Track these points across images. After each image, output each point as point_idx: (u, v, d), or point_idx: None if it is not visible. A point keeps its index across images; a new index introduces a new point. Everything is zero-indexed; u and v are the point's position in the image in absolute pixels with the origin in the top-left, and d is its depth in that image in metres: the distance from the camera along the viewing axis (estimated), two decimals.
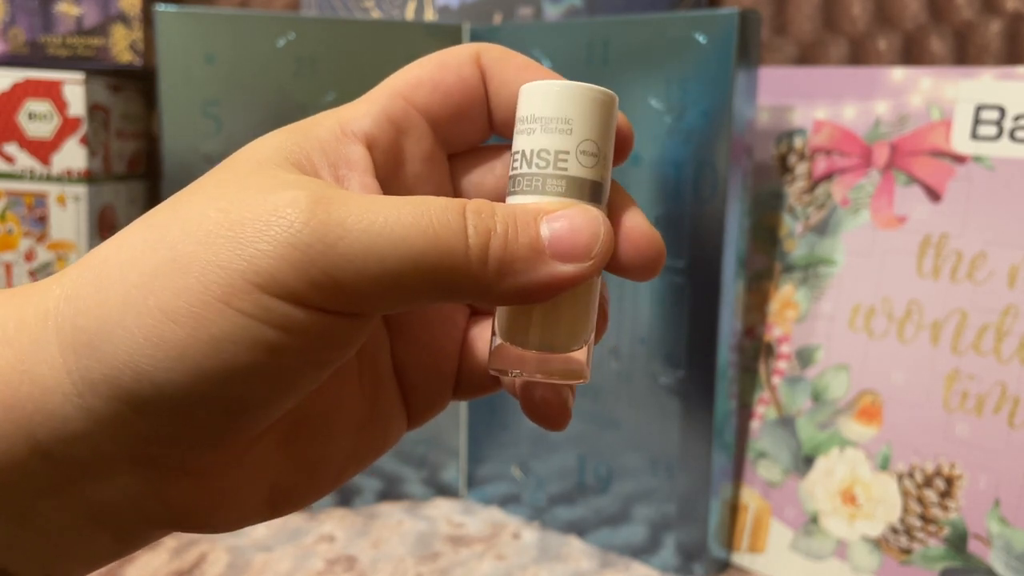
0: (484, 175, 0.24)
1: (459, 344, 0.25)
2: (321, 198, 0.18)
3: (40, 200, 0.57)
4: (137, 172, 0.66)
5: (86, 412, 0.18)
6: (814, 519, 0.47)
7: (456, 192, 0.25)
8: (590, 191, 0.21)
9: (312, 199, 0.18)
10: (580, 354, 0.22)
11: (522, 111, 0.22)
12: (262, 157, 0.20)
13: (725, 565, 0.49)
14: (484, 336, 0.25)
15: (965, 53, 0.53)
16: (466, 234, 0.19)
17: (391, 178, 0.23)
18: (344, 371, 0.23)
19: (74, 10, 0.59)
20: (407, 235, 0.18)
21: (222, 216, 0.18)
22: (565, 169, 0.21)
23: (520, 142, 0.22)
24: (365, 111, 0.23)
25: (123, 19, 0.59)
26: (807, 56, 0.57)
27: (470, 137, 0.24)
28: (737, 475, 0.50)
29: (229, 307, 0.17)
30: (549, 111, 0.21)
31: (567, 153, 0.21)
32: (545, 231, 0.20)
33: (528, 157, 0.21)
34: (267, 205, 0.18)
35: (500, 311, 0.22)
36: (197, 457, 0.19)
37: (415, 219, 0.18)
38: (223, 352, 0.17)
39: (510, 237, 0.19)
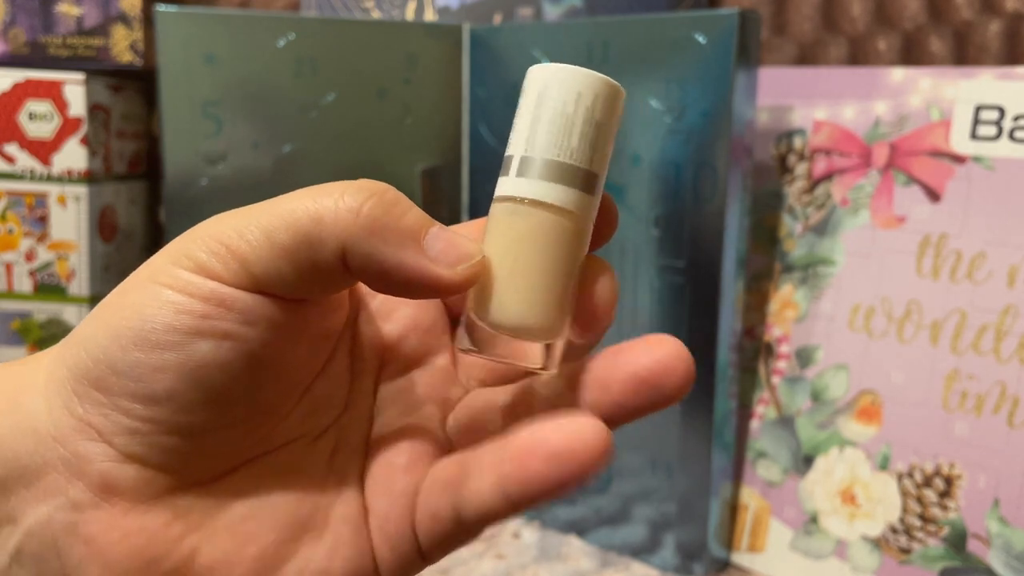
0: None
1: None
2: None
3: (40, 200, 0.57)
4: (137, 172, 0.66)
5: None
6: (814, 519, 0.47)
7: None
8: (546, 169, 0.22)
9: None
10: (535, 345, 0.22)
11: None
12: None
13: (725, 565, 0.49)
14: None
15: (965, 53, 0.53)
16: (343, 193, 0.20)
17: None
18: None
19: (74, 10, 0.59)
20: (292, 206, 0.20)
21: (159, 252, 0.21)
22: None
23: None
24: None
25: (123, 19, 0.59)
26: (807, 56, 0.57)
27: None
28: (737, 475, 0.50)
29: (153, 282, 0.20)
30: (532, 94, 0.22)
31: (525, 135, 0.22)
32: (429, 233, 0.21)
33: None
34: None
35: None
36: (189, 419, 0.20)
37: (302, 194, 0.21)
38: (151, 316, 0.20)
39: (392, 206, 0.20)
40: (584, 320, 0.22)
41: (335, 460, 0.23)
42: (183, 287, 0.20)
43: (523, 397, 0.23)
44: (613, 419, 0.21)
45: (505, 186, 0.22)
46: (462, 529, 0.21)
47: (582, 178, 0.21)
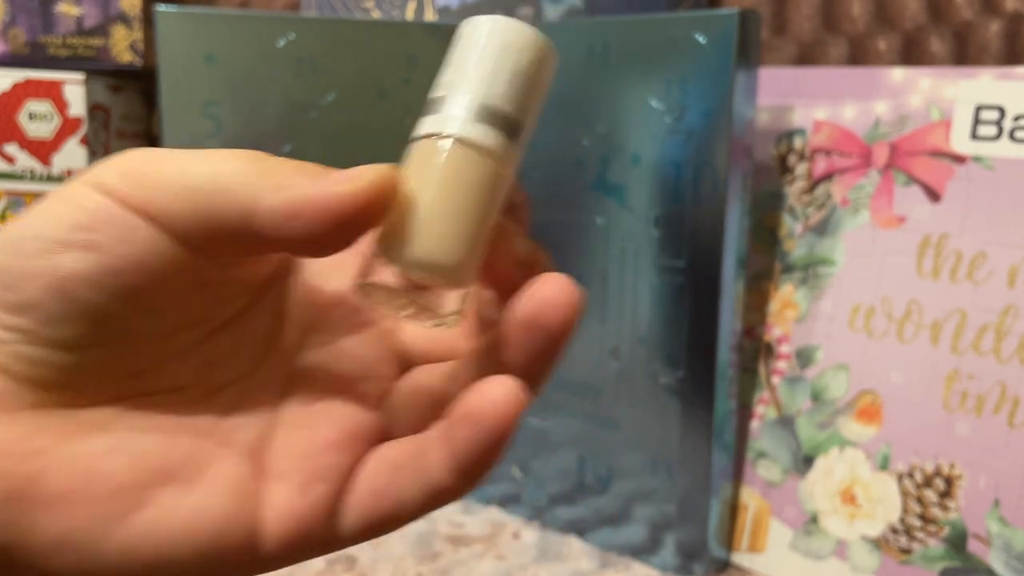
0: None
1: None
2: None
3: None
4: None
5: None
6: (814, 519, 0.47)
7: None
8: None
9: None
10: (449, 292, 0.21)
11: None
12: None
13: (725, 565, 0.49)
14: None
15: (965, 53, 0.53)
16: (259, 157, 0.21)
17: None
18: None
19: (74, 10, 0.59)
20: (211, 155, 0.21)
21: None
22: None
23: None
24: None
25: (123, 19, 0.59)
26: (807, 56, 0.57)
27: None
28: (737, 475, 0.50)
29: (55, 197, 0.21)
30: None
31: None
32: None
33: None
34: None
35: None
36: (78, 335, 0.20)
37: (224, 152, 0.21)
38: (29, 224, 0.20)
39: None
40: (495, 279, 0.22)
41: (227, 419, 0.23)
42: (74, 198, 0.20)
43: (458, 377, 0.23)
44: (523, 368, 0.21)
45: (427, 125, 0.22)
46: (404, 511, 0.22)
47: (506, 123, 0.22)
